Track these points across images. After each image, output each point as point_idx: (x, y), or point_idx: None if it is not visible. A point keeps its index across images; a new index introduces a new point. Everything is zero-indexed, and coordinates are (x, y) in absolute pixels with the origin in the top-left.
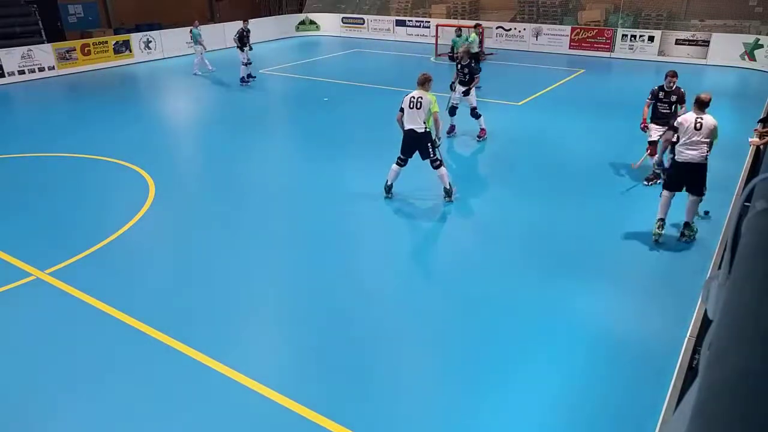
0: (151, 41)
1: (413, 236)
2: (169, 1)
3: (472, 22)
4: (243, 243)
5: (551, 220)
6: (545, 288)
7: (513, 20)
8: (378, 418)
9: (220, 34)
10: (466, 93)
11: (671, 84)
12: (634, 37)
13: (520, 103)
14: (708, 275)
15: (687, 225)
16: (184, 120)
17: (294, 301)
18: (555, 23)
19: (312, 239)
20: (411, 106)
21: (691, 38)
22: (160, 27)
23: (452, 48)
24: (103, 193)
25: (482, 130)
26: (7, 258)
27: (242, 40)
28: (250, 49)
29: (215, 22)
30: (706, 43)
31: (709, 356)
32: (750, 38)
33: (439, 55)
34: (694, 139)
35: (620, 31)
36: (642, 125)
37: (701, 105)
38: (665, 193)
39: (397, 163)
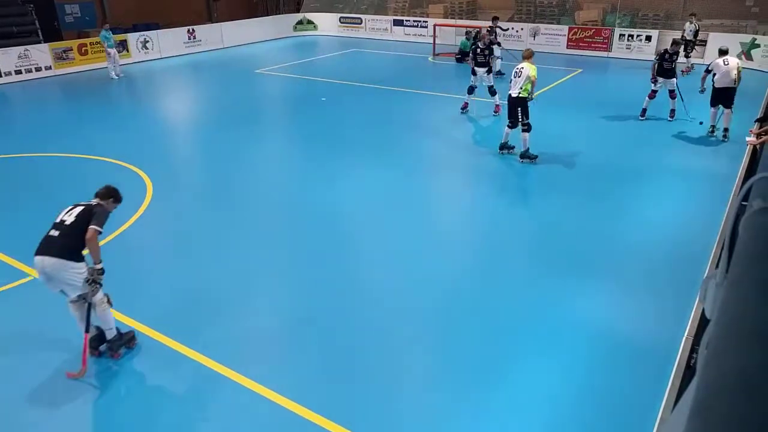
0: (148, 41)
1: (410, 235)
2: (166, 1)
3: (471, 22)
4: (242, 243)
5: (548, 218)
6: (542, 287)
7: (510, 20)
8: (378, 418)
9: (218, 34)
10: (489, 71)
11: (675, 48)
12: (632, 36)
13: None
14: (705, 274)
15: (726, 129)
16: (181, 120)
17: (294, 301)
18: (552, 23)
19: (311, 240)
20: (515, 75)
21: (687, 38)
22: (157, 27)
23: (460, 50)
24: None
25: (497, 106)
26: (5, 258)
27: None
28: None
29: (213, 22)
30: (703, 43)
31: (706, 355)
32: (747, 38)
33: (437, 54)
34: (724, 72)
35: (617, 31)
36: (652, 78)
37: (724, 53)
38: (712, 109)
39: (508, 126)
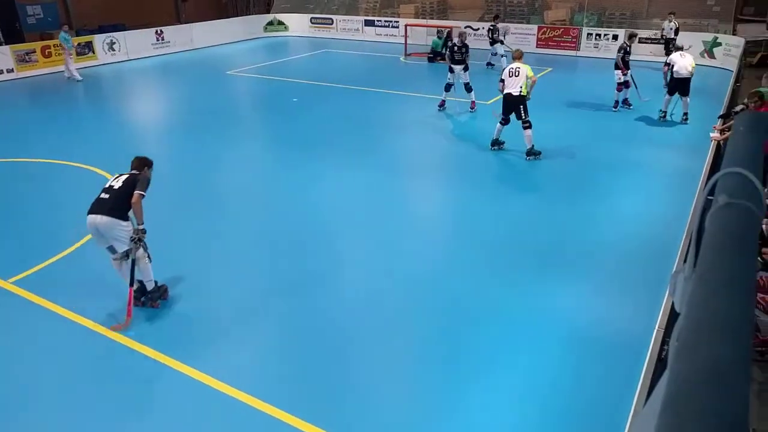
0: (115, 42)
1: (384, 238)
2: (132, 2)
3: (442, 22)
4: (215, 245)
5: (520, 215)
6: (516, 284)
7: (481, 19)
8: (349, 416)
9: (187, 35)
10: (466, 69)
11: (632, 41)
12: (599, 35)
13: (488, 102)
14: (674, 268)
15: (686, 114)
16: (152, 123)
17: (269, 303)
18: (522, 22)
19: (285, 242)
20: (510, 74)
21: (653, 37)
22: (124, 28)
23: (432, 50)
24: (68, 198)
25: (473, 102)
26: None
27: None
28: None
29: (181, 23)
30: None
31: (677, 349)
32: (709, 36)
33: (409, 54)
34: (682, 65)
35: (585, 30)
36: (623, 72)
37: (680, 49)
38: (667, 96)
39: (501, 123)
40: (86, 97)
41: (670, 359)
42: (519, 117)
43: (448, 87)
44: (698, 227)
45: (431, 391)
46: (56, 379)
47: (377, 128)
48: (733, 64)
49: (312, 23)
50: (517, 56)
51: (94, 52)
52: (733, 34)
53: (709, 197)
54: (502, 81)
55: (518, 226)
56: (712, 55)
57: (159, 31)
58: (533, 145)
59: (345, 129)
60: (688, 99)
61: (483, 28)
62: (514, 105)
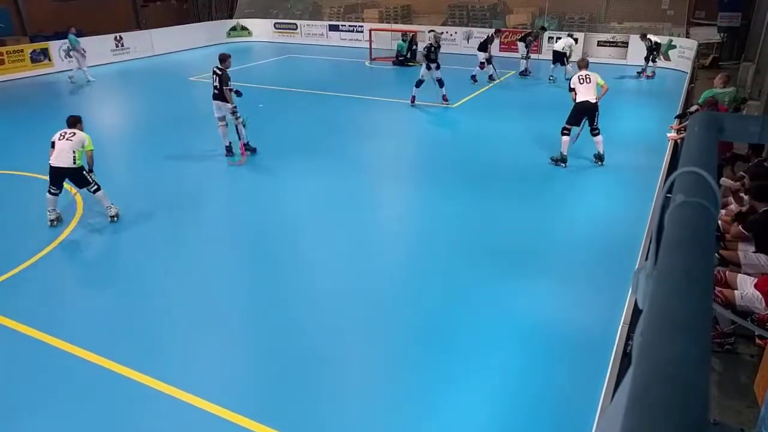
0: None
1: (351, 241)
2: (90, 8)
3: (406, 26)
4: (175, 253)
5: (485, 218)
6: (482, 286)
7: (444, 24)
8: (316, 420)
9: (148, 42)
10: (438, 67)
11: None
12: (560, 39)
13: (454, 105)
14: (636, 266)
15: (568, 79)
16: (113, 131)
17: (234, 311)
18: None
19: (254, 248)
20: (581, 81)
21: (611, 40)
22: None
23: (398, 53)
24: (25, 210)
25: (444, 96)
26: None
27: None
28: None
29: (141, 29)
30: (625, 45)
31: (640, 345)
32: (664, 39)
33: (374, 59)
34: (558, 46)
35: (546, 34)
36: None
37: (524, 37)
38: (552, 66)
39: (564, 134)
40: (43, 105)
41: (634, 356)
42: (591, 123)
43: (419, 83)
44: (658, 225)
45: (402, 393)
46: (14, 394)
47: (347, 132)
48: (687, 66)
49: (276, 28)
50: (584, 65)
51: (50, 59)
52: (687, 37)
53: (668, 195)
54: (573, 90)
55: (483, 227)
56: (667, 57)
57: (118, 37)
58: (600, 151)
59: (314, 133)
60: (568, 66)
61: (446, 32)
62: (589, 112)
